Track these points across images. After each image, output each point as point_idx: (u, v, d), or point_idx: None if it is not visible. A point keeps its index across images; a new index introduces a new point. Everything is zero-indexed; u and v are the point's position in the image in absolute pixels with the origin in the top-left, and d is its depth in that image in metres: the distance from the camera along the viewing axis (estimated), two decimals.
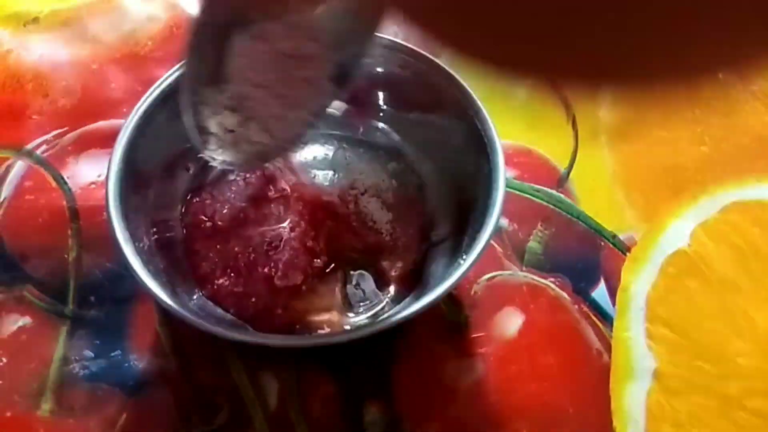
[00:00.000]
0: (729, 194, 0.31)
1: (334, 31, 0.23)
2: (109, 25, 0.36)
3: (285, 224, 0.27)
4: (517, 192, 0.31)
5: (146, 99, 0.26)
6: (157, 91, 0.27)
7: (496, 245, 0.30)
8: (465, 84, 0.27)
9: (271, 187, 0.28)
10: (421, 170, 0.30)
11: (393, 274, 0.28)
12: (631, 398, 0.27)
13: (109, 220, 0.24)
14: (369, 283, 0.28)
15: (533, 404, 0.27)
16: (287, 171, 0.28)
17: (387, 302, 0.28)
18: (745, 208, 0.31)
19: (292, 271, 0.26)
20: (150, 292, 0.23)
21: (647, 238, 0.30)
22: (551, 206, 0.31)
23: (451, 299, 0.28)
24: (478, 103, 0.27)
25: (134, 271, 0.23)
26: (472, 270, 0.24)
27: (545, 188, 0.32)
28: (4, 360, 0.27)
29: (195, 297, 0.27)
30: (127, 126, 0.26)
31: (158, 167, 0.27)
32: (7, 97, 0.34)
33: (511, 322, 0.28)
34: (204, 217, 0.28)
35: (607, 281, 0.30)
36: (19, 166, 0.31)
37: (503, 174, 0.26)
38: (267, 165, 0.28)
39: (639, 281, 0.29)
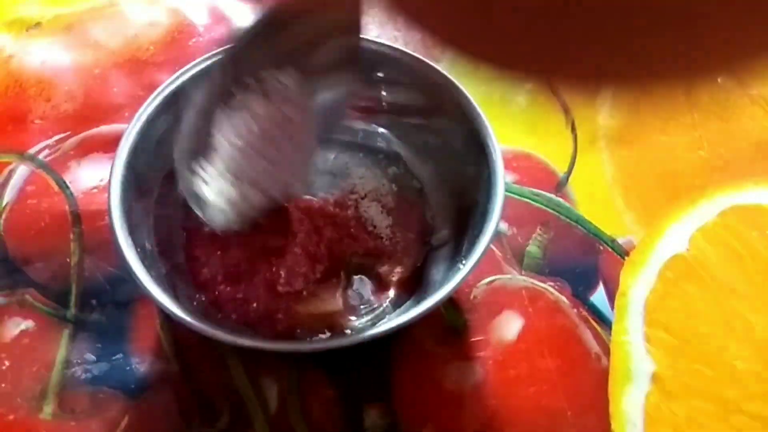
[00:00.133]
0: (727, 199, 0.32)
1: (314, 91, 0.25)
2: (111, 30, 0.36)
3: (286, 230, 0.28)
4: (517, 196, 0.32)
5: (148, 105, 0.27)
6: (160, 97, 0.27)
7: (495, 249, 0.30)
8: (464, 89, 0.28)
9: None
10: (420, 175, 0.30)
11: (393, 278, 0.28)
12: (630, 402, 0.27)
13: (111, 226, 0.24)
14: (369, 288, 0.28)
15: (532, 408, 0.27)
16: None
17: (387, 306, 0.28)
18: (744, 213, 0.31)
19: (294, 278, 0.27)
20: (152, 298, 0.23)
21: (646, 242, 0.30)
22: (550, 210, 0.32)
23: (451, 303, 0.29)
24: (478, 108, 0.27)
25: (136, 276, 0.23)
26: (471, 274, 0.24)
27: (544, 193, 0.32)
28: (7, 363, 0.27)
29: (196, 302, 0.27)
30: (129, 132, 0.26)
31: (160, 173, 0.28)
32: (10, 102, 0.34)
33: (510, 325, 0.28)
34: (205, 224, 0.28)
35: (605, 285, 0.30)
36: (21, 171, 0.31)
37: (503, 178, 0.26)
38: None
39: (638, 285, 0.29)
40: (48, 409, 0.26)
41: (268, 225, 0.28)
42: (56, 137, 0.33)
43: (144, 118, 0.26)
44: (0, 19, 0.36)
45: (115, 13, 0.37)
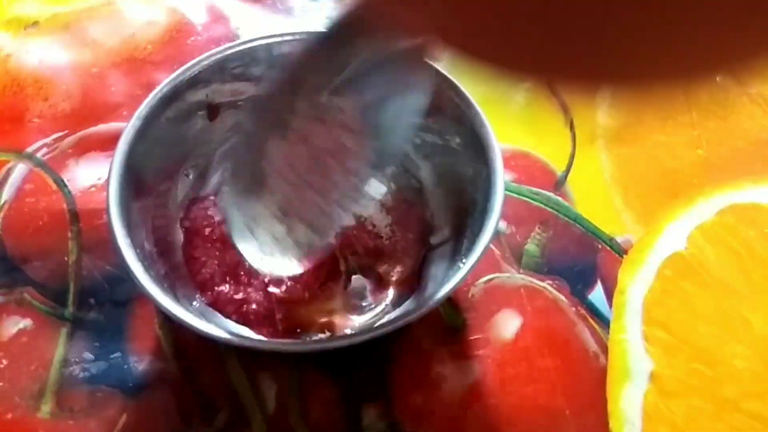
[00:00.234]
0: (725, 197, 0.32)
1: (372, 118, 0.23)
2: (109, 29, 0.36)
3: None
4: (515, 195, 0.32)
5: (147, 103, 0.27)
6: (158, 96, 0.27)
7: (493, 248, 0.30)
8: (463, 88, 0.28)
9: None
10: (419, 174, 0.30)
11: (393, 277, 0.28)
12: (628, 400, 0.27)
13: (110, 226, 0.24)
14: (369, 287, 0.28)
15: (530, 406, 0.27)
16: None
17: (387, 305, 0.28)
18: (742, 211, 0.31)
19: (295, 285, 0.27)
20: (152, 299, 0.23)
21: (644, 240, 0.31)
22: (549, 209, 0.32)
23: (449, 302, 0.29)
24: (477, 107, 0.27)
25: (135, 277, 0.23)
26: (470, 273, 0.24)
27: (543, 191, 0.32)
28: (5, 362, 0.27)
29: (195, 302, 0.27)
30: (127, 131, 0.26)
31: (158, 173, 0.28)
32: (8, 101, 0.34)
33: (508, 324, 0.28)
34: (204, 224, 0.28)
35: (604, 284, 0.30)
36: (19, 169, 0.31)
37: (502, 178, 0.26)
38: None
39: (636, 284, 0.29)
40: (46, 408, 0.26)
41: None
42: (54, 136, 0.33)
43: (143, 116, 0.26)
44: None
45: (113, 11, 0.37)
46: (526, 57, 0.14)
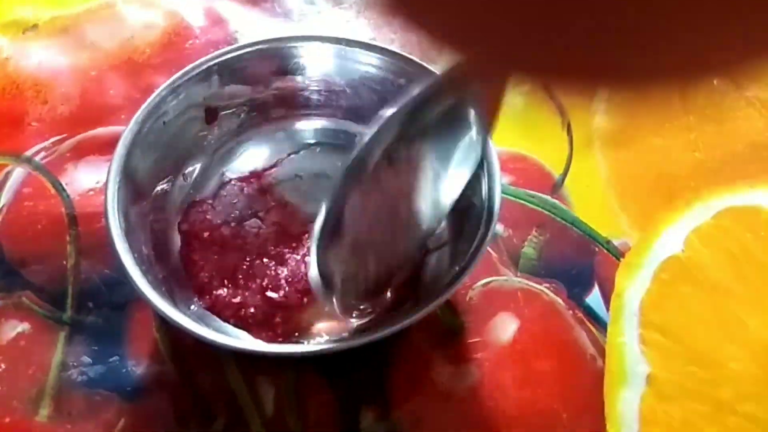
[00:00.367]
0: (722, 200, 0.32)
1: (439, 159, 0.24)
2: (108, 32, 0.36)
3: (284, 236, 0.28)
4: (512, 198, 0.32)
5: (145, 107, 0.27)
6: (157, 100, 0.27)
7: (491, 251, 0.30)
8: None
9: (268, 197, 0.28)
10: None
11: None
12: (625, 403, 0.27)
13: (108, 230, 0.24)
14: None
15: (527, 410, 0.27)
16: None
17: (384, 308, 0.28)
18: (739, 214, 0.31)
19: (292, 289, 0.27)
20: (150, 302, 0.23)
21: (641, 244, 0.31)
22: (546, 212, 0.32)
23: (447, 305, 0.29)
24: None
25: (134, 281, 0.23)
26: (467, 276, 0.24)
27: (540, 194, 0.32)
28: (3, 366, 0.27)
29: (193, 306, 0.27)
30: (125, 135, 0.26)
31: (157, 176, 0.28)
32: (6, 104, 0.34)
33: (505, 327, 0.28)
34: (203, 228, 0.28)
35: (601, 287, 0.30)
36: (18, 173, 0.31)
37: (499, 181, 0.26)
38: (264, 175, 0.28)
39: (633, 287, 0.29)
40: (44, 412, 0.26)
41: (266, 230, 0.28)
42: (53, 139, 0.33)
43: (141, 120, 0.26)
44: None
45: (112, 15, 0.37)
46: (523, 58, 0.14)
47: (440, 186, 0.25)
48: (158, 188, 0.28)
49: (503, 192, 0.26)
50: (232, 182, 0.30)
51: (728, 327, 0.28)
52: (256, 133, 0.30)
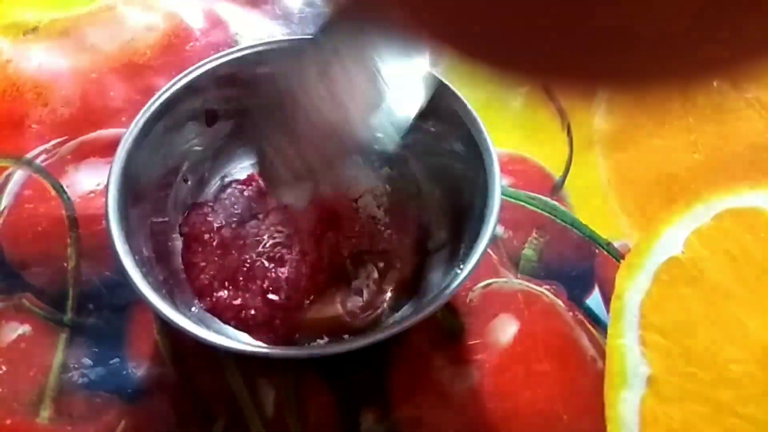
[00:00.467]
0: (722, 202, 0.32)
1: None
2: (108, 34, 0.36)
3: (285, 239, 0.28)
4: (512, 200, 0.32)
5: (146, 110, 0.27)
6: (157, 102, 0.27)
7: (491, 252, 0.30)
8: (460, 93, 0.28)
9: (268, 199, 0.28)
10: (417, 179, 0.30)
11: (390, 282, 0.28)
12: (625, 405, 0.27)
13: (108, 232, 0.24)
14: (366, 291, 0.28)
15: (528, 411, 0.27)
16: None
17: (385, 310, 0.28)
18: (739, 216, 0.31)
19: (294, 291, 0.27)
20: (150, 305, 0.23)
21: (641, 245, 0.31)
22: (546, 214, 0.32)
23: (447, 306, 0.29)
24: (473, 111, 0.27)
25: (134, 283, 0.23)
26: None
27: (540, 196, 0.32)
28: (4, 368, 0.27)
29: (194, 308, 0.27)
30: (126, 138, 0.26)
31: (157, 178, 0.28)
32: (7, 107, 0.34)
33: (506, 329, 0.28)
34: (203, 230, 0.28)
35: (601, 288, 0.30)
36: (18, 175, 0.32)
37: (499, 182, 0.26)
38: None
39: (633, 288, 0.29)
40: (45, 414, 0.26)
41: (266, 232, 0.28)
42: (53, 142, 0.33)
43: (141, 122, 0.27)
44: None
45: (112, 17, 0.37)
46: (523, 59, 0.14)
47: (389, 103, 0.25)
48: (159, 190, 0.28)
49: (503, 194, 0.26)
50: (233, 185, 0.30)
51: (728, 328, 0.28)
52: (256, 136, 0.30)
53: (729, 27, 0.12)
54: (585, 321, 0.29)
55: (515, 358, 0.28)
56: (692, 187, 0.32)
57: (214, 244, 0.28)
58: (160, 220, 0.28)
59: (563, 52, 0.13)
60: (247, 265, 0.27)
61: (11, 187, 0.31)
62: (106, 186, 0.25)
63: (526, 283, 0.30)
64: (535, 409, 0.27)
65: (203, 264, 0.28)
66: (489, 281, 0.30)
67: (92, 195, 0.31)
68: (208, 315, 0.27)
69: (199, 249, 0.28)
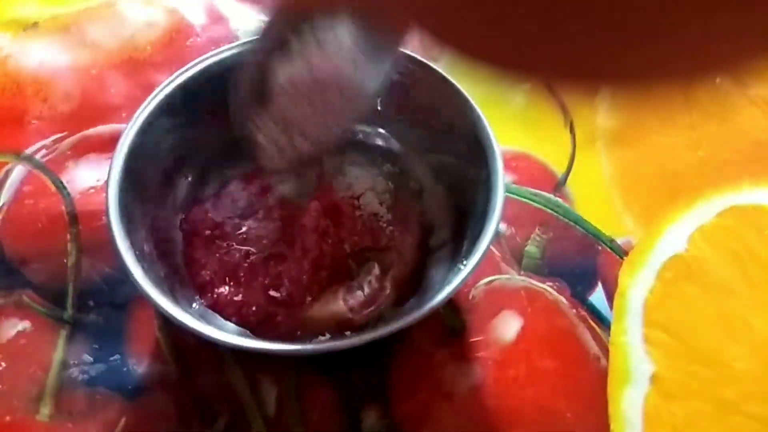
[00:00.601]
0: (725, 199, 0.32)
1: (363, 51, 0.24)
2: (109, 30, 0.36)
3: (286, 235, 0.28)
4: (515, 197, 0.32)
5: (146, 106, 0.27)
6: (158, 98, 0.27)
7: (494, 249, 0.30)
8: (463, 90, 0.28)
9: (269, 195, 0.28)
10: (419, 176, 0.30)
11: (393, 278, 0.28)
12: (629, 402, 0.27)
13: (109, 228, 0.24)
14: (369, 288, 0.28)
15: (531, 408, 0.27)
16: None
17: (387, 306, 0.28)
18: (742, 213, 0.31)
19: (295, 287, 0.27)
20: (151, 301, 0.23)
21: (644, 242, 0.30)
22: (549, 211, 0.31)
23: (450, 304, 0.29)
24: (477, 108, 0.27)
25: (135, 279, 0.23)
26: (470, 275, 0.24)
27: (543, 193, 0.32)
28: (4, 365, 0.27)
29: (195, 304, 0.27)
30: (127, 132, 0.26)
31: (158, 175, 0.28)
32: (7, 102, 0.34)
33: (508, 326, 0.28)
34: (204, 226, 0.28)
35: (604, 286, 0.30)
36: (18, 171, 0.31)
37: (502, 179, 0.26)
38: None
39: (636, 286, 0.29)
40: (45, 411, 0.26)
41: (267, 229, 0.28)
42: (53, 137, 0.32)
43: (142, 118, 0.26)
44: None
45: (113, 13, 0.37)
46: (525, 57, 0.14)
47: (365, 73, 0.25)
48: (160, 187, 0.28)
49: (506, 190, 0.26)
50: (234, 181, 0.30)
51: (732, 326, 0.28)
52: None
53: (731, 23, 0.12)
54: (588, 318, 0.29)
55: (518, 355, 0.28)
56: (695, 184, 0.32)
57: (215, 240, 0.28)
58: (161, 215, 0.28)
59: (564, 49, 0.13)
60: (248, 261, 0.27)
61: (11, 183, 0.31)
62: (107, 182, 0.25)
63: (529, 280, 0.30)
64: (538, 407, 0.27)
65: (204, 260, 0.27)
66: (492, 278, 0.29)
67: (92, 191, 0.31)
68: (209, 311, 0.27)
69: (200, 245, 0.28)
